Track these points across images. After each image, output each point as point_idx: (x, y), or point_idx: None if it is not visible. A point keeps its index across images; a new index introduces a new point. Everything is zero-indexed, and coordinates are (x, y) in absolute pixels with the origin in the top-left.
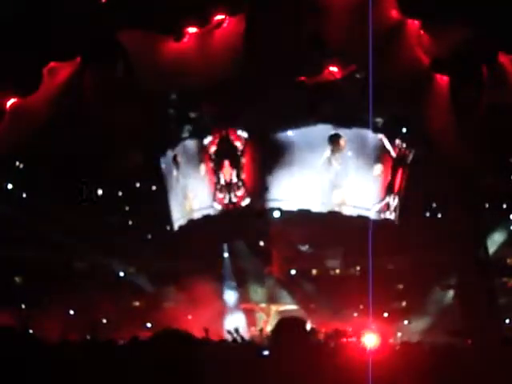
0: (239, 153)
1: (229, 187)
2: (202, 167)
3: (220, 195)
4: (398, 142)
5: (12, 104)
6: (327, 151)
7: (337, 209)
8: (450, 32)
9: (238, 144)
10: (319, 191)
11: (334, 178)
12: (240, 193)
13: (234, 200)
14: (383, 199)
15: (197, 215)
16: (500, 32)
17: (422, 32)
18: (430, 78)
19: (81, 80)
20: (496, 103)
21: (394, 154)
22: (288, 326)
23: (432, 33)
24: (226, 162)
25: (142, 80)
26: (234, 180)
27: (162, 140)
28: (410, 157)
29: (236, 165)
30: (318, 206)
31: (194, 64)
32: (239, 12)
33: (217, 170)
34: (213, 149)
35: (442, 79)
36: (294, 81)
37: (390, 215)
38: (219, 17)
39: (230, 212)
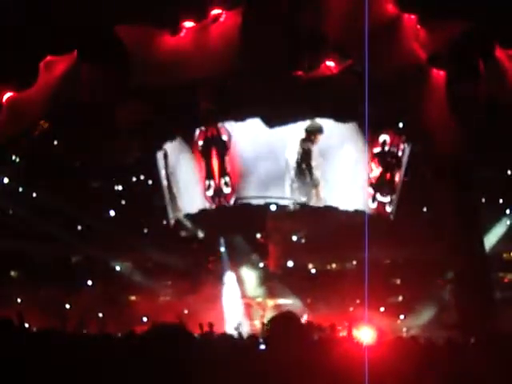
0: (227, 148)
1: (217, 185)
2: (191, 164)
3: (209, 194)
4: (389, 135)
5: (8, 98)
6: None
7: (316, 204)
8: (447, 27)
9: (226, 139)
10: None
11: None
12: (228, 190)
13: (223, 198)
14: (374, 194)
15: (186, 213)
16: (497, 27)
17: (418, 27)
18: (427, 73)
19: (78, 74)
20: (493, 98)
21: (385, 148)
22: (283, 320)
23: (429, 27)
24: (215, 158)
25: (138, 74)
26: (222, 177)
27: (158, 134)
28: (405, 151)
29: (224, 161)
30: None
31: (190, 58)
32: (236, 6)
33: (206, 167)
34: (202, 144)
35: (439, 74)
36: (290, 75)
37: (385, 209)
38: (216, 11)
39: (223, 208)
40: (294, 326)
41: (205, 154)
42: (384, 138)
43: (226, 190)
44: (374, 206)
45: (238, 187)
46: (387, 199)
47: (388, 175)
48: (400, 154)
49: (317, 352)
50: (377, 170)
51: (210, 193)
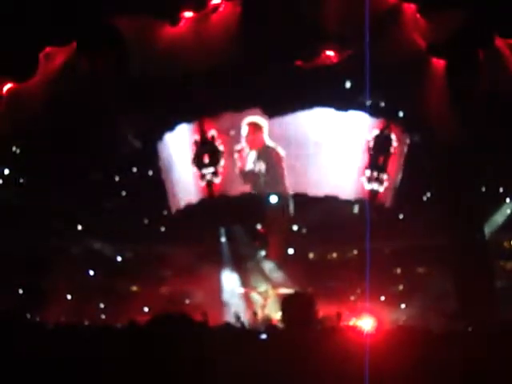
0: (217, 141)
1: (209, 176)
2: (185, 155)
3: (202, 184)
4: (380, 121)
5: (8, 89)
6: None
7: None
8: (447, 16)
9: (214, 132)
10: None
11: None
12: (218, 180)
13: (214, 189)
14: (368, 176)
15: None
16: (496, 16)
17: (418, 16)
18: (427, 62)
19: (77, 65)
20: (493, 87)
21: (375, 133)
22: (298, 301)
23: (428, 17)
24: (206, 151)
25: (137, 65)
26: (213, 167)
27: (158, 125)
28: (404, 140)
29: (214, 152)
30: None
31: (189, 49)
32: None
33: (198, 159)
34: (197, 137)
35: (439, 63)
36: (290, 65)
37: (377, 192)
38: (215, 1)
39: (216, 200)
40: (310, 308)
41: (200, 145)
42: (378, 125)
43: (216, 180)
44: (369, 187)
45: (227, 179)
46: (379, 178)
47: (381, 158)
48: (394, 139)
49: (319, 341)
50: (370, 154)
51: (203, 183)
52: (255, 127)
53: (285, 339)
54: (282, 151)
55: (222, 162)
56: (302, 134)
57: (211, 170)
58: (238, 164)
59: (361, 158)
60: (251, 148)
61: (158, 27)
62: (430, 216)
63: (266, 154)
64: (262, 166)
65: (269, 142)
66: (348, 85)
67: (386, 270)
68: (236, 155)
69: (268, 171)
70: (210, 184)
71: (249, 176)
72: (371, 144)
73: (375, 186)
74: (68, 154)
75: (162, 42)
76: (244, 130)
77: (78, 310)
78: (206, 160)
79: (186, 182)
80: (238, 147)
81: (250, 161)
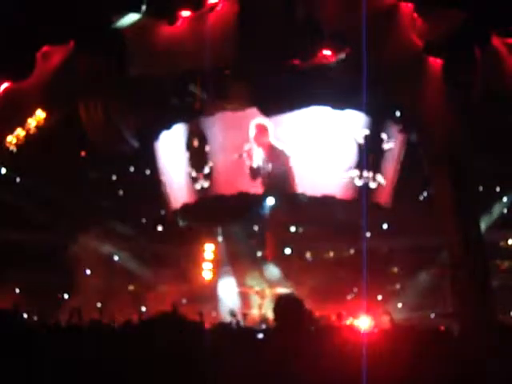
0: (208, 139)
1: (201, 177)
2: (180, 156)
3: (195, 186)
4: (375, 120)
5: (5, 88)
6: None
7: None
8: (444, 15)
9: (208, 131)
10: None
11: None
12: (207, 184)
13: (205, 190)
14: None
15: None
16: (493, 15)
17: (415, 15)
18: (424, 62)
19: (74, 64)
20: (490, 86)
21: (369, 131)
22: (289, 304)
23: (425, 16)
24: (198, 150)
25: (135, 64)
26: (204, 168)
27: (155, 125)
28: (398, 138)
29: (205, 153)
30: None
31: (187, 48)
32: None
33: (193, 159)
34: (190, 135)
35: (436, 62)
36: (287, 64)
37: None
38: (213, 0)
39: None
40: (300, 309)
41: (190, 146)
42: (373, 124)
43: (205, 184)
44: (364, 186)
45: (217, 181)
46: (374, 177)
47: (375, 157)
48: (387, 138)
49: (315, 340)
50: (364, 153)
51: (198, 183)
52: (262, 128)
53: (281, 339)
54: (288, 151)
55: (217, 162)
56: (299, 133)
57: (206, 170)
58: (247, 162)
59: (355, 156)
60: (258, 146)
61: (155, 26)
62: (427, 215)
63: (272, 153)
64: (269, 165)
65: (275, 143)
66: (345, 84)
67: (383, 270)
68: (245, 155)
69: (275, 170)
70: (204, 184)
71: (257, 173)
72: (365, 142)
73: (370, 184)
74: (66, 153)
75: (159, 42)
76: (252, 130)
77: (75, 309)
78: (201, 160)
79: (181, 182)
80: (246, 147)
81: (258, 158)
